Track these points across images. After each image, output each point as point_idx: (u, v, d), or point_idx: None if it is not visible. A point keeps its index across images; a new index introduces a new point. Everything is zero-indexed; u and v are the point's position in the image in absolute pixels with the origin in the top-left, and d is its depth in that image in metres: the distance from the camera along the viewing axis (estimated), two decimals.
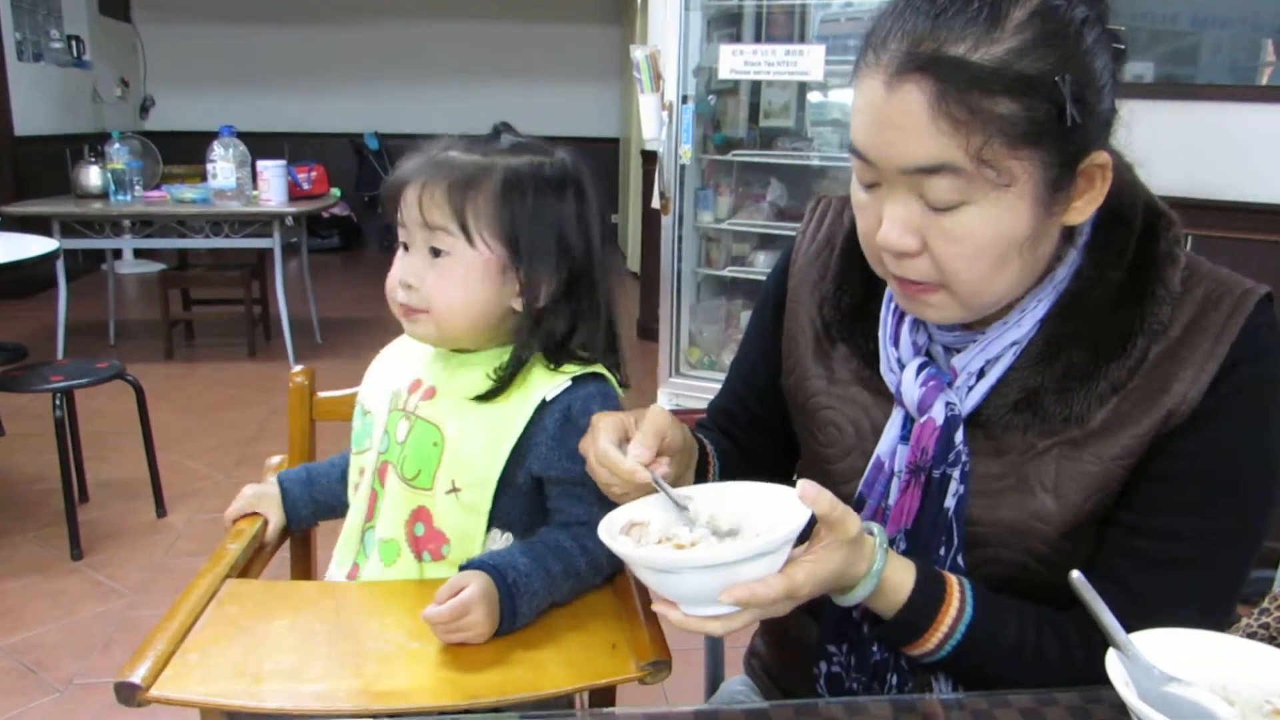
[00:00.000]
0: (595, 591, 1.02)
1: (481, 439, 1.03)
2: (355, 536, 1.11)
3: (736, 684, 1.25)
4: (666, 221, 3.43)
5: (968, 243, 0.78)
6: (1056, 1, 0.76)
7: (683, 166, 3.38)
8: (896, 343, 0.92)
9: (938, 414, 0.87)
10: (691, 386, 3.51)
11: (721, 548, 0.77)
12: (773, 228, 3.66)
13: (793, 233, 1.08)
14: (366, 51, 8.43)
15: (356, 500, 1.13)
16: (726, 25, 3.77)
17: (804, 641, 1.01)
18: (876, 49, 0.77)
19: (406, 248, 1.05)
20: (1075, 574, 0.74)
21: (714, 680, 1.34)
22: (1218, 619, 0.83)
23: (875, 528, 0.84)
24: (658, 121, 3.30)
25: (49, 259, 3.21)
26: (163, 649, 0.86)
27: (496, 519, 1.04)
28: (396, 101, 8.37)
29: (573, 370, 1.05)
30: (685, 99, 3.36)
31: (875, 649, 0.93)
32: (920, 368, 0.89)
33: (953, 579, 0.86)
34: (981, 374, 0.88)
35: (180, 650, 0.87)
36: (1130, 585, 0.84)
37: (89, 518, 2.98)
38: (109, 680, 2.25)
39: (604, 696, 0.94)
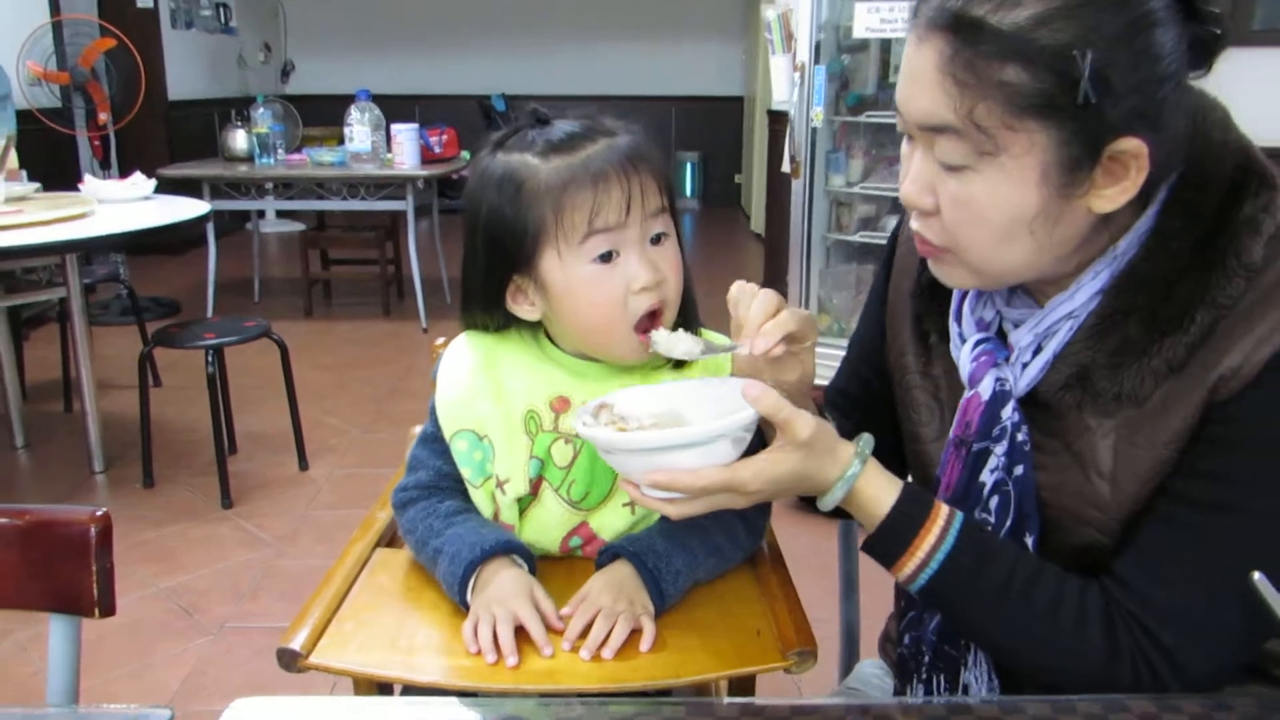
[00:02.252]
0: (739, 575, 1.00)
1: None
2: None
3: (869, 667, 1.23)
4: (797, 186, 3.36)
5: (969, 209, 0.77)
6: None
7: (814, 129, 3.29)
8: (959, 318, 0.91)
9: (985, 389, 0.85)
10: (821, 355, 3.43)
11: (645, 434, 0.82)
12: None
13: None
14: (492, 13, 8.53)
15: (488, 517, 1.02)
16: None
17: None
18: (916, 8, 0.77)
19: (607, 257, 0.93)
20: (1257, 575, 0.68)
21: (848, 664, 1.32)
22: (1229, 601, 0.75)
23: (864, 437, 0.85)
24: (789, 83, 3.22)
25: (201, 221, 3.37)
26: (320, 615, 0.89)
27: None
28: (522, 62, 8.45)
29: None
30: (817, 59, 3.26)
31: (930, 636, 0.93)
32: (978, 343, 0.87)
33: (944, 507, 0.84)
34: (1039, 350, 0.84)
35: (336, 618, 0.90)
36: (1145, 550, 0.79)
37: (237, 469, 3.15)
38: (259, 625, 2.42)
39: (744, 682, 0.93)
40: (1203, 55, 0.75)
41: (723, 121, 8.72)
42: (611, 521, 1.00)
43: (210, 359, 2.90)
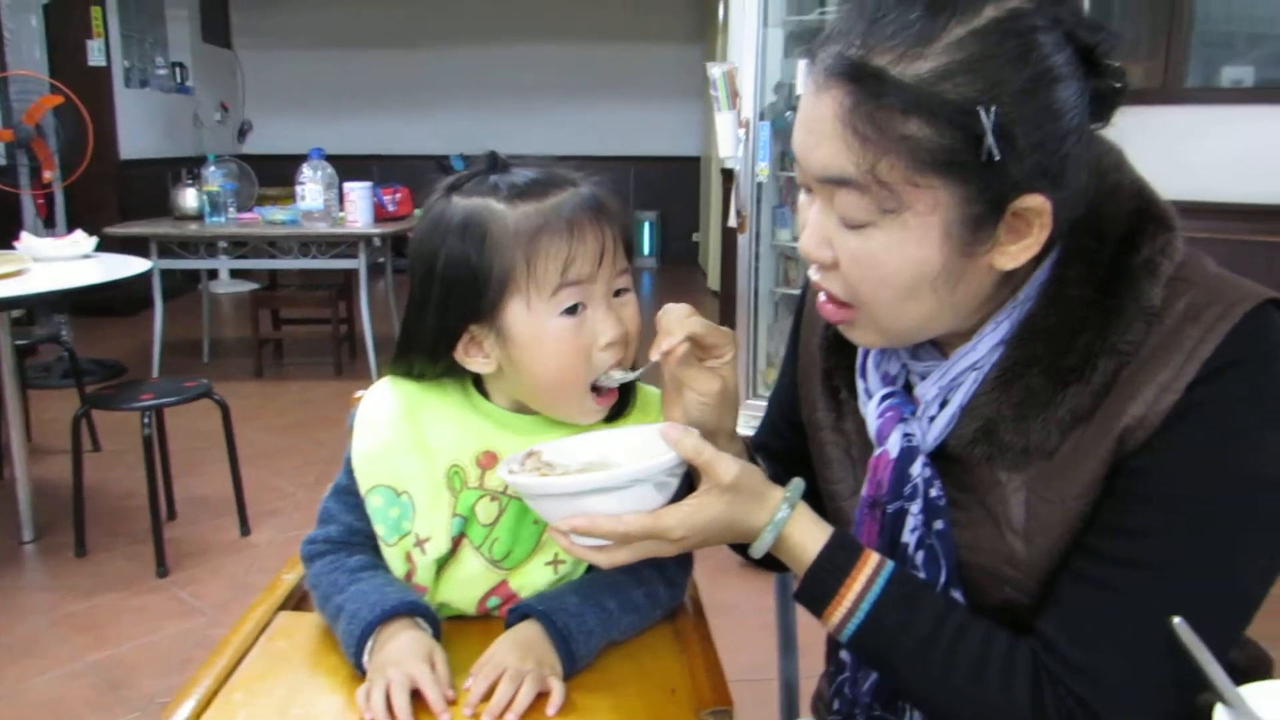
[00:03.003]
0: (655, 631, 0.96)
1: None
2: None
3: None
4: (743, 240, 3.37)
5: (870, 267, 0.75)
6: (1012, 24, 0.69)
7: (759, 184, 3.32)
8: (864, 373, 0.89)
9: (892, 446, 0.83)
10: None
11: (566, 479, 0.82)
12: None
13: None
14: (452, 75, 8.61)
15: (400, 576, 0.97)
16: (808, 41, 3.70)
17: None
18: (818, 47, 0.74)
19: (577, 309, 0.90)
20: (1177, 620, 0.66)
21: (789, 702, 1.28)
22: (1153, 658, 0.72)
23: (794, 482, 0.83)
24: (734, 139, 3.25)
25: (145, 278, 3.31)
26: (208, 686, 0.84)
27: None
28: (480, 123, 8.50)
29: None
30: (762, 116, 3.29)
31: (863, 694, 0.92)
32: (885, 398, 0.85)
33: (874, 556, 0.81)
34: (945, 403, 0.82)
35: (225, 688, 0.85)
36: (1065, 608, 0.76)
37: (175, 535, 3.06)
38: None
39: None
40: (1103, 108, 0.74)
41: (680, 181, 8.82)
42: (532, 580, 0.96)
43: (147, 420, 2.82)
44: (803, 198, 0.81)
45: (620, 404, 0.98)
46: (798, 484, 0.84)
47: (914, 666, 0.80)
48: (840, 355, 0.93)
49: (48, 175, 4.78)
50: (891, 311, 0.77)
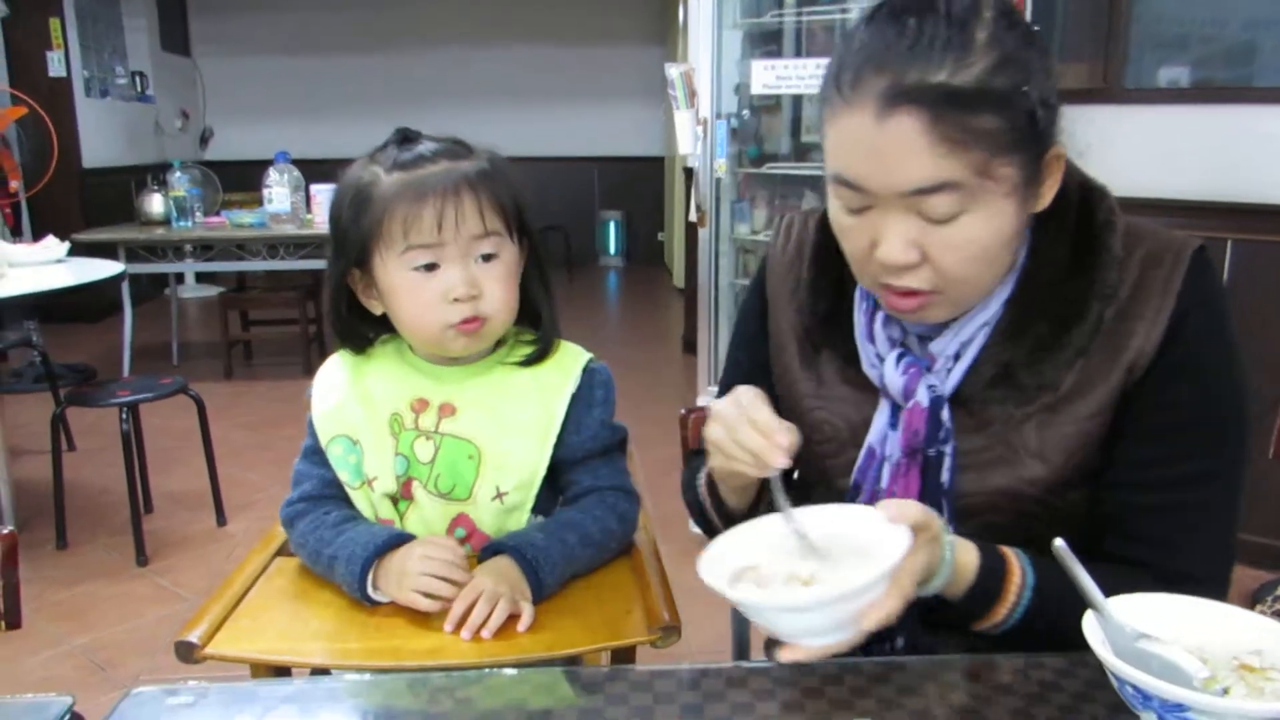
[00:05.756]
0: (614, 565, 1.09)
1: (522, 443, 1.09)
2: None
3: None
4: (704, 235, 3.50)
5: (970, 248, 0.85)
6: (1005, 18, 0.83)
7: (718, 180, 3.45)
8: (872, 339, 0.98)
9: (922, 397, 0.93)
10: None
11: (859, 574, 0.75)
12: None
13: None
14: (413, 78, 8.65)
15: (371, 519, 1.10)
16: (766, 43, 3.83)
17: None
18: (851, 86, 0.82)
19: (432, 267, 1.03)
20: (1058, 542, 0.78)
21: (740, 643, 1.39)
22: (1230, 545, 0.91)
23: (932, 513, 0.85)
24: (693, 137, 3.37)
25: (115, 282, 3.37)
26: (218, 613, 0.95)
27: (534, 508, 1.11)
28: (445, 125, 8.50)
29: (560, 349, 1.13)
30: (720, 115, 3.43)
31: None
32: (899, 358, 0.95)
33: (1008, 549, 0.90)
34: (958, 357, 0.94)
35: (233, 615, 0.96)
36: (1154, 537, 0.90)
37: (154, 527, 3.13)
38: (174, 678, 2.37)
39: (625, 660, 1.01)
40: None
41: (644, 181, 8.93)
42: (484, 515, 1.09)
43: (125, 416, 2.90)
44: (849, 220, 0.87)
45: (540, 353, 1.12)
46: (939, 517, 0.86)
47: (1075, 619, 0.84)
48: (833, 328, 1.02)
49: (14, 185, 4.82)
50: (981, 282, 0.89)
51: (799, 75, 3.33)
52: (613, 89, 8.88)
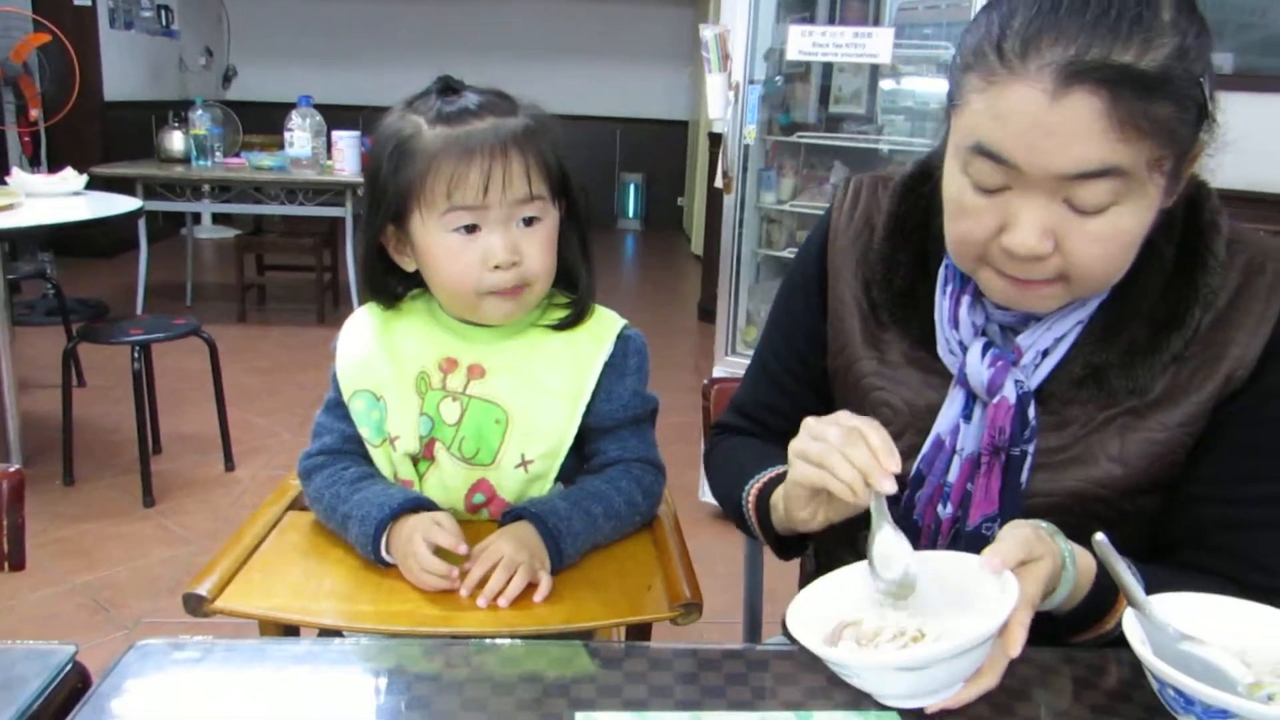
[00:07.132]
0: (635, 538, 1.05)
1: (551, 410, 1.05)
2: None
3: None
4: (729, 201, 3.44)
5: (1113, 241, 0.79)
6: (1187, 1, 0.76)
7: (746, 147, 3.39)
8: (956, 325, 0.92)
9: (1009, 393, 0.88)
10: (746, 364, 3.51)
11: (982, 623, 0.70)
12: None
13: None
14: (440, 28, 8.55)
15: (390, 478, 1.07)
16: (799, 9, 3.75)
17: None
18: (1019, 54, 0.74)
19: (473, 229, 0.99)
20: (1099, 536, 0.75)
21: (753, 627, 1.37)
22: None
23: (1043, 525, 0.81)
24: (724, 101, 3.31)
25: (132, 218, 3.34)
26: (228, 566, 0.93)
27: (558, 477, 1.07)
28: (469, 78, 8.44)
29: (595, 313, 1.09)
30: (752, 80, 3.36)
31: None
32: (985, 348, 0.89)
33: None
34: (1046, 353, 0.89)
35: (244, 569, 0.93)
36: (1248, 555, 0.86)
37: (161, 468, 3.12)
38: (177, 620, 2.40)
39: (641, 635, 0.98)
40: None
41: (667, 145, 8.83)
42: (507, 481, 1.05)
43: (137, 355, 2.87)
44: (976, 199, 0.81)
45: (575, 317, 1.08)
46: (1047, 526, 0.82)
47: None
48: (907, 305, 0.96)
49: (34, 113, 4.77)
50: (1109, 277, 0.83)
51: (836, 43, 3.24)
52: (640, 50, 8.75)
